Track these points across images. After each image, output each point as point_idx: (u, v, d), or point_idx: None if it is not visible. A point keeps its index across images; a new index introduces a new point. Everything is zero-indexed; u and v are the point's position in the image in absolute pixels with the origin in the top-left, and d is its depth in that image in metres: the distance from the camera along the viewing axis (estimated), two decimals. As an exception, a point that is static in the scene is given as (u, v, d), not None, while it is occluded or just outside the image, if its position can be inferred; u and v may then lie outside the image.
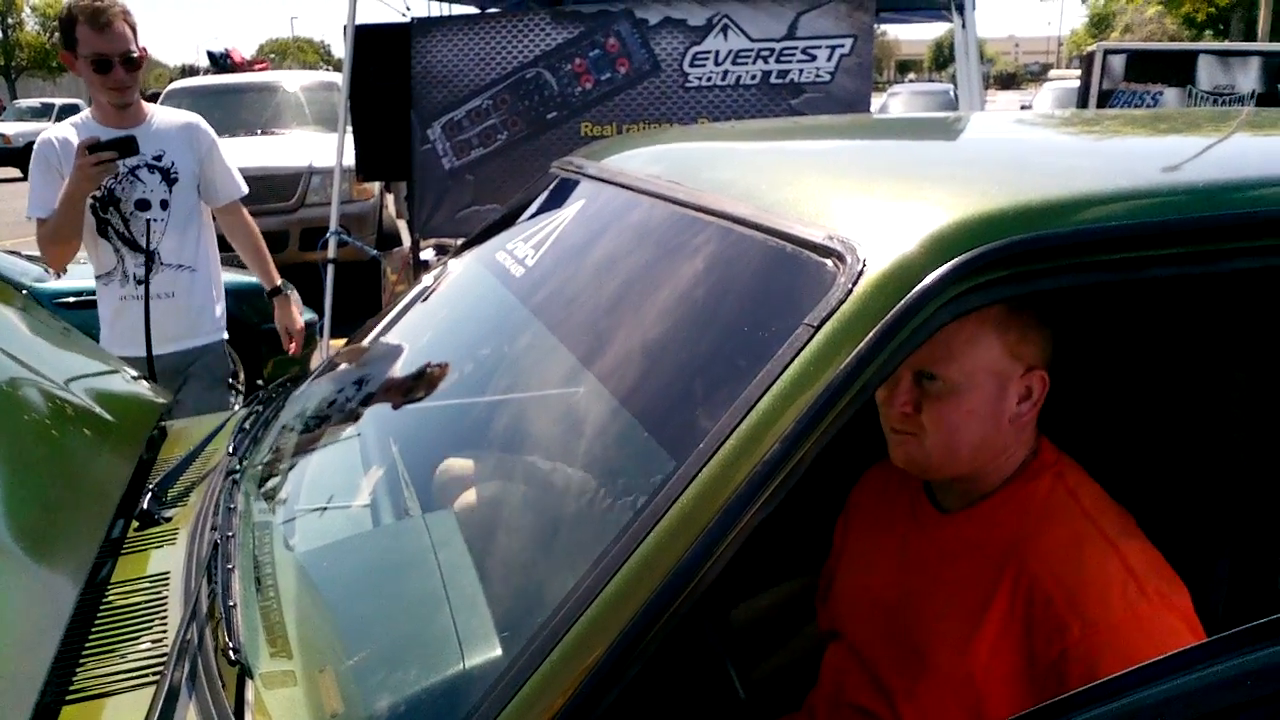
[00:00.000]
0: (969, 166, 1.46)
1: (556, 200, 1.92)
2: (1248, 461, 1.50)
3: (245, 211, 3.39)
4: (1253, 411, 1.51)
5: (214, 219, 3.37)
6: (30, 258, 5.77)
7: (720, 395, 1.10)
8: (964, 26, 5.76)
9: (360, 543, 1.67)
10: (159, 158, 3.05)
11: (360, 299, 6.89)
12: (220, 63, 11.49)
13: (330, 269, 6.12)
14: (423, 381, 1.81)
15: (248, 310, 5.79)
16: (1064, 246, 1.13)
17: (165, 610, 1.50)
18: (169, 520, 1.81)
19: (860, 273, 1.11)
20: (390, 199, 9.68)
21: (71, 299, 5.37)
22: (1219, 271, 1.19)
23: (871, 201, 1.28)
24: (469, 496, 1.44)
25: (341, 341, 6.67)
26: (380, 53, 5.71)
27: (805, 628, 1.79)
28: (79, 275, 5.66)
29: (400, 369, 1.97)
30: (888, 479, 1.64)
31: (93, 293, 5.39)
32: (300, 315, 3.52)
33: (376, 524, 1.69)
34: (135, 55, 2.90)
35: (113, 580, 1.60)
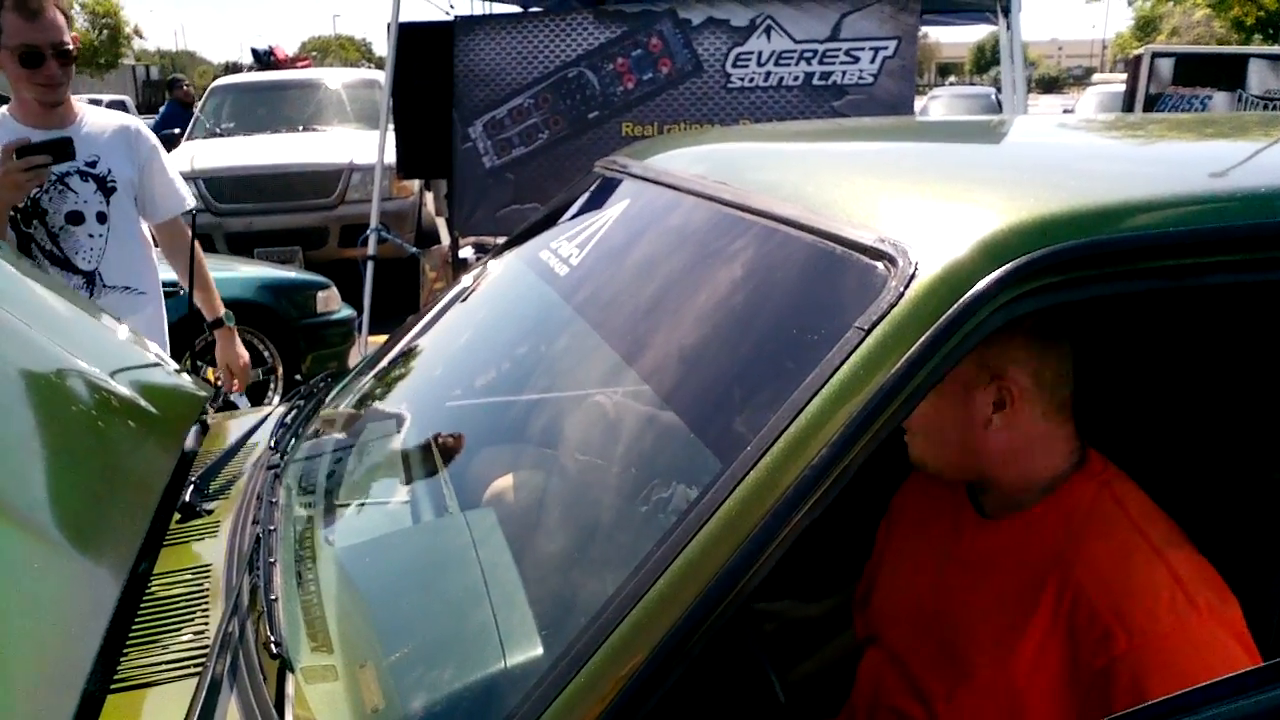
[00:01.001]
0: (1020, 170, 1.44)
1: (600, 199, 1.92)
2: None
3: (189, 229, 2.95)
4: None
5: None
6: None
7: (767, 398, 1.09)
8: (1009, 28, 5.70)
9: (401, 539, 1.68)
10: (93, 164, 2.65)
11: (399, 296, 6.94)
12: (264, 60, 11.62)
13: (370, 266, 6.16)
14: (465, 380, 1.81)
15: (285, 305, 5.83)
16: (1119, 252, 1.11)
17: (207, 602, 1.51)
18: (211, 513, 1.82)
19: (912, 276, 1.09)
20: (430, 197, 9.74)
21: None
22: (1276, 279, 1.17)
23: (922, 204, 1.26)
24: (511, 495, 1.44)
25: (380, 338, 6.72)
26: (422, 51, 5.74)
27: (843, 633, 1.77)
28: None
29: (442, 367, 1.97)
30: (931, 483, 1.62)
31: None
32: (243, 351, 3.10)
33: (417, 520, 1.69)
34: (69, 47, 2.55)
35: (155, 572, 1.61)
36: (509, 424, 1.66)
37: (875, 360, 1.05)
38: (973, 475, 1.43)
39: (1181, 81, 8.12)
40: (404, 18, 5.76)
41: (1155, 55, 8.16)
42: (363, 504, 1.80)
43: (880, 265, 1.14)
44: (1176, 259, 1.11)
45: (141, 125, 2.85)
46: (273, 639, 1.27)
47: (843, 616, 1.74)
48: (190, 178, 8.39)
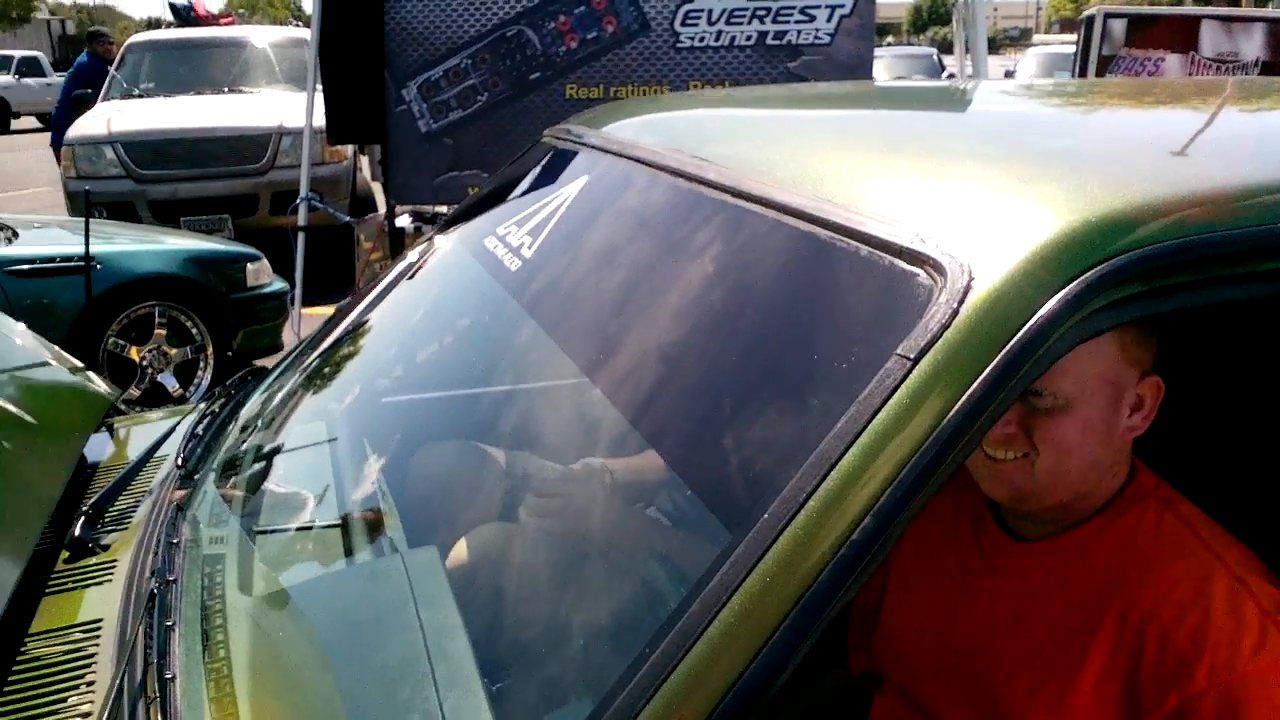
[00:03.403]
0: (1079, 149, 1.21)
1: (552, 176, 1.66)
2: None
3: None
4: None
5: None
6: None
7: (787, 448, 0.86)
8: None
9: (332, 586, 1.42)
10: None
11: (334, 267, 6.59)
12: (184, 15, 10.98)
13: (301, 237, 5.83)
14: (403, 397, 1.55)
15: (215, 280, 5.51)
16: (1222, 255, 0.89)
17: (93, 670, 1.25)
18: (107, 549, 1.55)
19: (967, 289, 0.86)
20: (365, 161, 9.33)
21: (24, 267, 5.04)
22: None
23: (965, 192, 1.03)
24: (465, 557, 1.19)
25: (315, 311, 6.37)
26: (351, 7, 5.37)
27: (834, 671, 1.56)
28: (32, 241, 5.37)
29: (377, 374, 1.71)
30: (941, 500, 1.42)
31: (48, 260, 5.18)
32: None
33: (350, 559, 1.44)
34: None
35: (33, 630, 1.35)
36: (455, 461, 1.41)
37: (924, 397, 0.83)
38: (1069, 496, 1.20)
39: (1134, 43, 8.00)
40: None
41: (1109, 15, 8.02)
42: (286, 539, 1.54)
43: (921, 274, 0.91)
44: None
45: None
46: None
47: (826, 653, 1.53)
48: (108, 141, 7.93)
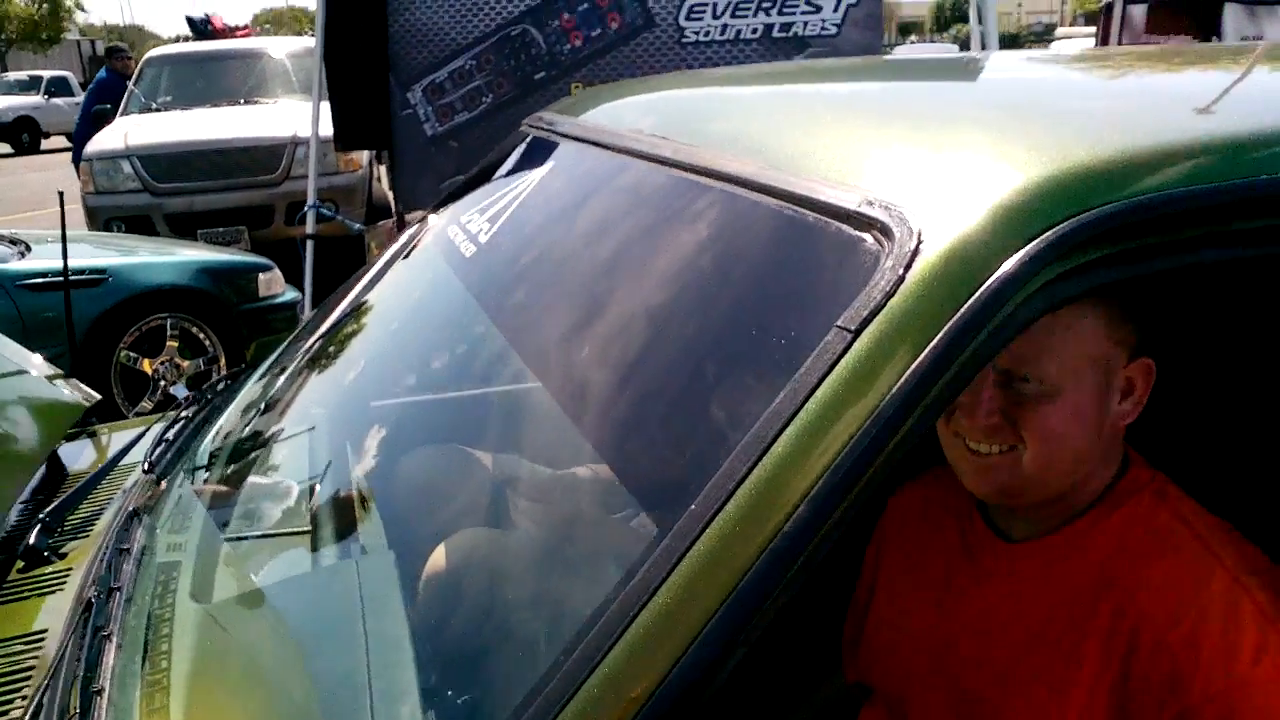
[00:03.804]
0: (1047, 110, 1.13)
1: (521, 163, 1.60)
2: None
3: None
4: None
5: None
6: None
7: (716, 433, 0.78)
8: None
9: (287, 595, 1.36)
10: None
11: (348, 275, 6.55)
12: (201, 29, 11.05)
13: (310, 245, 5.79)
14: (363, 396, 1.49)
15: (227, 290, 5.49)
16: (1197, 210, 0.81)
17: (30, 682, 1.20)
18: (64, 557, 1.50)
19: (914, 253, 0.79)
20: (383, 170, 9.32)
21: (38, 280, 5.04)
22: None
23: (921, 155, 0.96)
24: (433, 560, 1.11)
25: (324, 321, 6.33)
26: (356, 10, 5.34)
27: (831, 678, 1.48)
28: (45, 255, 5.37)
29: (344, 377, 1.65)
30: (927, 499, 1.35)
31: (59, 274, 5.18)
32: None
33: (308, 567, 1.38)
34: None
35: (-23, 641, 1.30)
36: (402, 462, 1.34)
37: (867, 374, 0.75)
38: (1059, 490, 1.12)
39: (1155, 29, 7.82)
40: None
41: (1127, 2, 7.85)
42: (246, 546, 1.48)
43: (869, 238, 0.83)
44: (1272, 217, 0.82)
45: None
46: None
47: (825, 659, 1.45)
48: (124, 155, 7.95)
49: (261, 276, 5.66)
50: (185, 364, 5.34)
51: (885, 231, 0.82)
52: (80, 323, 5.06)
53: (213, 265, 5.58)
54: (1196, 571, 1.05)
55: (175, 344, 5.30)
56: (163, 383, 5.26)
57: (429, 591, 1.06)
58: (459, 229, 1.47)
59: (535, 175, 1.44)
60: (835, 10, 4.77)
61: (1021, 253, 0.77)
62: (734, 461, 0.74)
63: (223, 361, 5.47)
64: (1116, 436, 1.13)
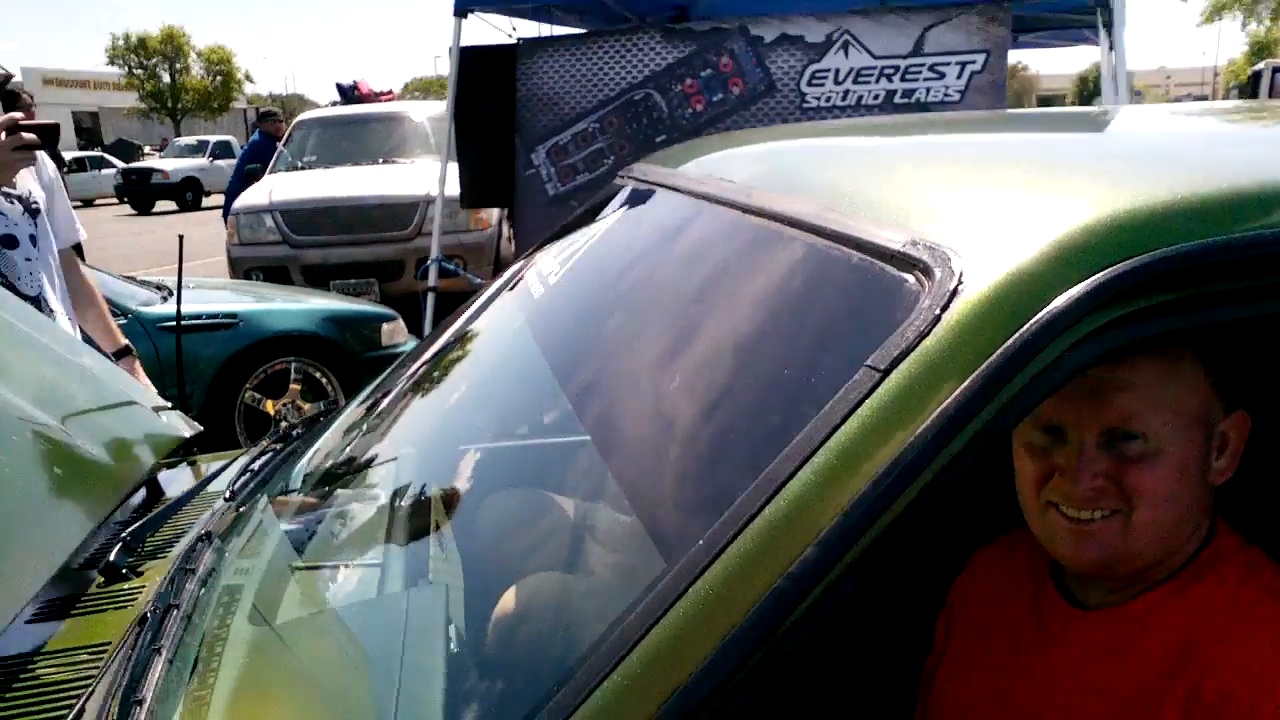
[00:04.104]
0: (1118, 156, 1.07)
1: (603, 209, 1.61)
2: None
3: (79, 261, 2.78)
4: None
5: None
6: (144, 282, 5.77)
7: (736, 473, 0.75)
8: (1111, 48, 5.24)
9: (350, 621, 1.37)
10: (13, 186, 2.47)
11: (466, 329, 6.71)
12: (349, 94, 11.64)
13: (431, 297, 5.97)
14: (432, 436, 1.50)
15: (351, 339, 5.68)
16: (1266, 258, 0.75)
17: (86, 695, 1.22)
18: (141, 575, 1.55)
19: (954, 292, 0.75)
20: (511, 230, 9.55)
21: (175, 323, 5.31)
22: None
23: (976, 197, 0.92)
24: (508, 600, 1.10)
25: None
26: (485, 76, 5.54)
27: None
28: (185, 299, 5.67)
29: (422, 414, 1.67)
30: (1001, 566, 1.29)
31: (195, 317, 5.47)
32: (146, 381, 2.79)
33: (372, 600, 1.39)
34: (1, 74, 2.48)
35: (49, 648, 1.34)
36: (450, 506, 1.34)
37: (894, 415, 0.71)
38: (1155, 557, 1.05)
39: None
40: (471, 42, 5.58)
41: (1276, 70, 7.53)
42: (314, 575, 1.50)
43: (911, 279, 0.80)
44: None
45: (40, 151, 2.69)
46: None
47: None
48: (268, 210, 8.38)
49: (385, 326, 5.84)
50: (306, 406, 5.52)
51: (926, 271, 0.78)
52: (211, 364, 5.32)
53: (338, 314, 5.79)
54: None
55: (298, 387, 5.49)
56: (284, 424, 5.45)
57: (478, 628, 1.05)
58: (535, 272, 1.48)
59: (609, 219, 1.45)
60: (959, 78, 4.71)
61: (1068, 294, 0.72)
62: (748, 498, 0.71)
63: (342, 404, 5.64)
64: (1208, 498, 1.06)
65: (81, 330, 2.73)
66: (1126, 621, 1.08)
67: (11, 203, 2.47)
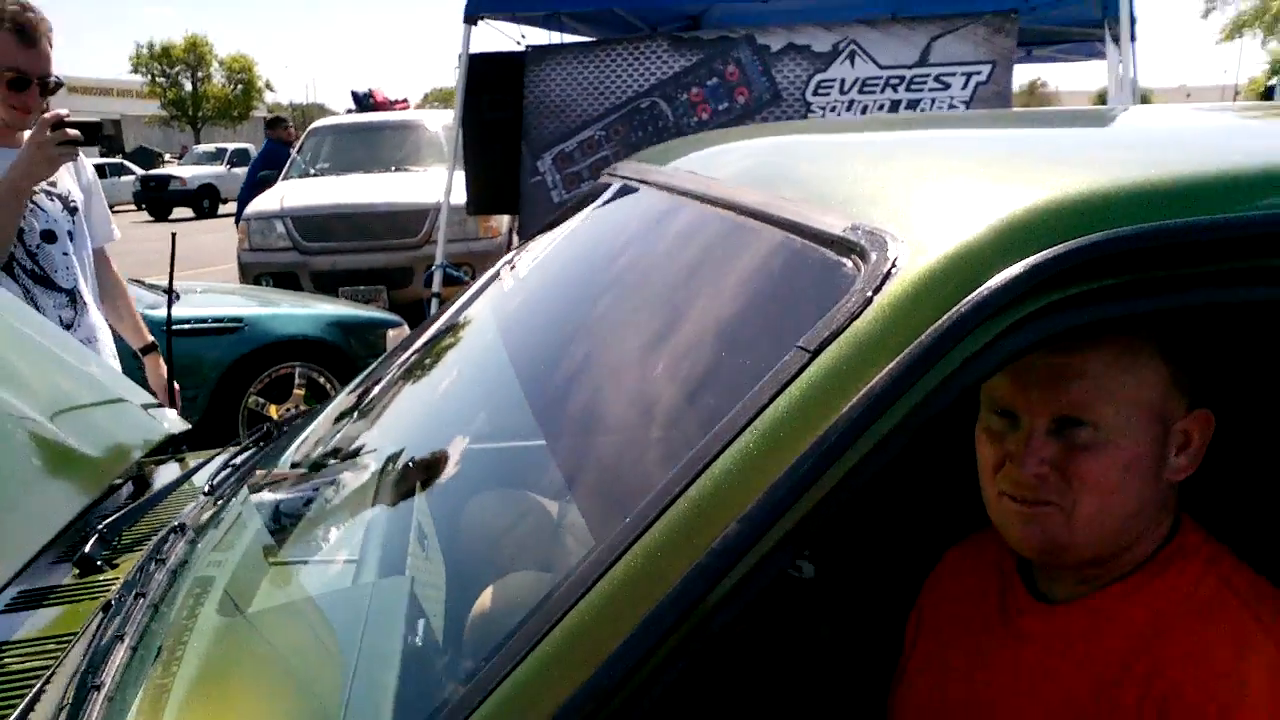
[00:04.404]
0: (1074, 148, 1.07)
1: (579, 208, 1.61)
2: None
3: (110, 261, 2.90)
4: None
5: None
6: (153, 286, 5.81)
7: (665, 452, 0.75)
8: (1120, 60, 5.21)
9: (319, 614, 1.37)
10: (54, 184, 2.60)
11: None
12: (363, 102, 11.70)
13: (435, 303, 5.99)
14: (404, 433, 1.51)
15: (355, 344, 5.69)
16: (1217, 241, 0.74)
17: (45, 683, 1.23)
18: (116, 567, 1.55)
19: (887, 274, 0.75)
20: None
21: (182, 326, 5.34)
22: None
23: (920, 185, 0.91)
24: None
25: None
26: (494, 83, 5.56)
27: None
28: (191, 304, 5.70)
29: (397, 412, 1.67)
30: (968, 565, 1.29)
31: (200, 320, 5.51)
32: (165, 372, 2.93)
33: (343, 592, 1.39)
34: (53, 80, 2.54)
35: (16, 638, 1.35)
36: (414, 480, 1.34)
37: (820, 398, 0.71)
38: (1107, 550, 1.05)
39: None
40: (480, 49, 5.60)
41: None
42: (288, 569, 1.50)
43: (848, 263, 0.80)
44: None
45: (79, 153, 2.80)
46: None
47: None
48: (279, 216, 8.41)
49: (390, 333, 5.85)
50: (310, 412, 5.54)
51: (863, 255, 0.78)
52: (216, 368, 5.34)
53: (343, 319, 5.81)
54: (1238, 642, 0.96)
55: (302, 392, 5.51)
56: (266, 423, 5.45)
57: (439, 620, 1.05)
58: (508, 268, 1.49)
59: (580, 214, 1.45)
60: (964, 88, 4.70)
61: (1003, 275, 0.72)
62: (675, 477, 0.71)
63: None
64: (1170, 494, 1.05)
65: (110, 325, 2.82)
66: (1086, 615, 1.07)
67: (53, 200, 2.58)
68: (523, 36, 5.95)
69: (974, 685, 1.16)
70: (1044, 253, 0.73)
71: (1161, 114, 1.36)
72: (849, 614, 1.64)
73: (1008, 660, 1.13)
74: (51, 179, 2.57)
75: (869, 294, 0.74)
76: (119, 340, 2.92)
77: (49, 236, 2.55)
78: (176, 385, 2.85)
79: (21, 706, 1.05)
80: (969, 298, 0.72)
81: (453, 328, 1.68)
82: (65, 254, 2.57)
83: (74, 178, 2.69)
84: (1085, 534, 1.02)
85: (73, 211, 2.64)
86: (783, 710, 1.59)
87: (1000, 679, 1.13)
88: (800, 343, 0.74)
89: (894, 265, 0.75)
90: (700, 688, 1.39)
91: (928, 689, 1.26)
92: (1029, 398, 0.99)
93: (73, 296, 2.60)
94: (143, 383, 2.72)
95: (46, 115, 2.41)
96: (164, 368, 2.88)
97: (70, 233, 2.61)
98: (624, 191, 1.50)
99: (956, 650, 1.22)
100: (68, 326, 2.56)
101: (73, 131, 2.40)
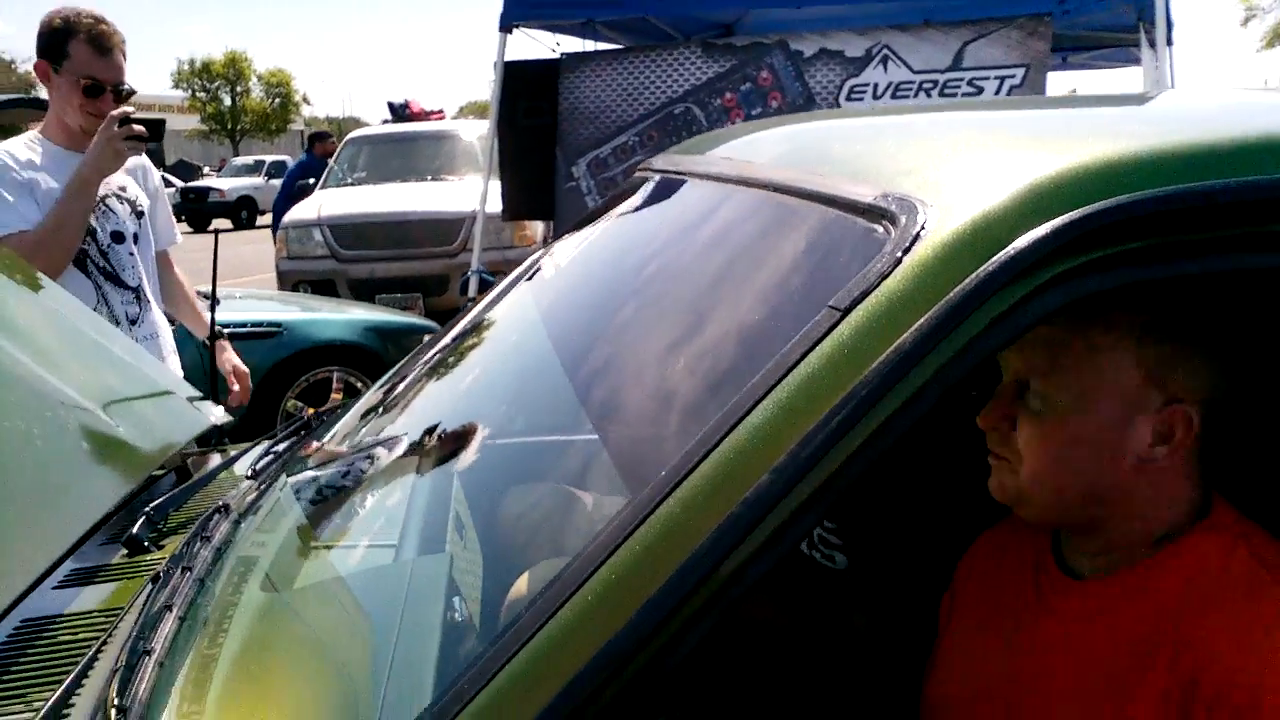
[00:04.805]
0: (1102, 121, 1.08)
1: (616, 202, 1.64)
2: None
3: (174, 265, 3.04)
4: None
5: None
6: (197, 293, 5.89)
7: (699, 410, 0.77)
8: (1157, 64, 5.17)
9: (360, 595, 1.40)
10: (123, 189, 2.76)
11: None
12: (399, 113, 11.84)
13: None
14: (440, 420, 1.54)
15: (393, 349, 5.74)
16: (1241, 204, 0.76)
17: (94, 655, 1.26)
18: (162, 549, 1.60)
19: (916, 237, 0.77)
20: (555, 246, 9.59)
21: (227, 330, 5.41)
22: None
23: (954, 156, 0.93)
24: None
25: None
26: (529, 90, 5.62)
27: None
28: (230, 309, 5.79)
29: (431, 400, 1.71)
30: (1002, 546, 1.30)
31: (239, 325, 5.58)
32: (237, 362, 3.07)
33: (385, 574, 1.42)
34: (125, 89, 2.68)
35: (67, 612, 1.39)
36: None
37: (850, 354, 0.73)
38: (1077, 520, 1.09)
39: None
40: (515, 57, 5.67)
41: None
42: (331, 551, 1.54)
43: (879, 228, 0.82)
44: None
45: (147, 160, 2.97)
46: (117, 703, 1.01)
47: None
48: (316, 224, 8.52)
49: (427, 338, 5.91)
50: (348, 416, 5.60)
51: (893, 220, 0.80)
52: (255, 371, 5.38)
53: (380, 325, 5.87)
54: (1269, 617, 0.96)
55: (339, 396, 5.56)
56: (309, 412, 5.50)
57: (480, 596, 1.08)
58: (547, 258, 1.52)
59: (619, 206, 1.48)
60: (997, 92, 4.70)
61: (1030, 235, 0.74)
62: (709, 431, 0.73)
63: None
64: (1165, 477, 1.05)
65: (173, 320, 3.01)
66: (1115, 589, 1.08)
67: (122, 204, 2.75)
68: (557, 44, 6.02)
69: (1006, 663, 1.17)
70: (1069, 214, 0.74)
71: (1188, 94, 1.37)
72: (883, 604, 1.65)
73: (1039, 637, 1.14)
74: (121, 184, 2.73)
75: (899, 255, 0.76)
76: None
77: (118, 237, 2.71)
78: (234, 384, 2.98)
79: (79, 668, 1.09)
80: (995, 257, 0.73)
81: (491, 318, 1.71)
82: (131, 254, 2.73)
83: (140, 184, 2.84)
84: (1036, 495, 1.05)
85: (139, 215, 2.79)
86: (818, 701, 1.60)
87: (1032, 656, 1.14)
88: (831, 302, 0.76)
89: (923, 228, 0.77)
90: (737, 680, 1.40)
91: (961, 669, 1.27)
92: (1010, 353, 1.02)
93: (138, 294, 2.75)
94: (202, 372, 2.93)
95: (114, 112, 2.53)
96: (232, 353, 3.05)
97: (136, 235, 2.76)
98: (662, 184, 1.52)
99: (990, 630, 1.23)
100: (133, 322, 2.70)
101: (139, 128, 2.52)
